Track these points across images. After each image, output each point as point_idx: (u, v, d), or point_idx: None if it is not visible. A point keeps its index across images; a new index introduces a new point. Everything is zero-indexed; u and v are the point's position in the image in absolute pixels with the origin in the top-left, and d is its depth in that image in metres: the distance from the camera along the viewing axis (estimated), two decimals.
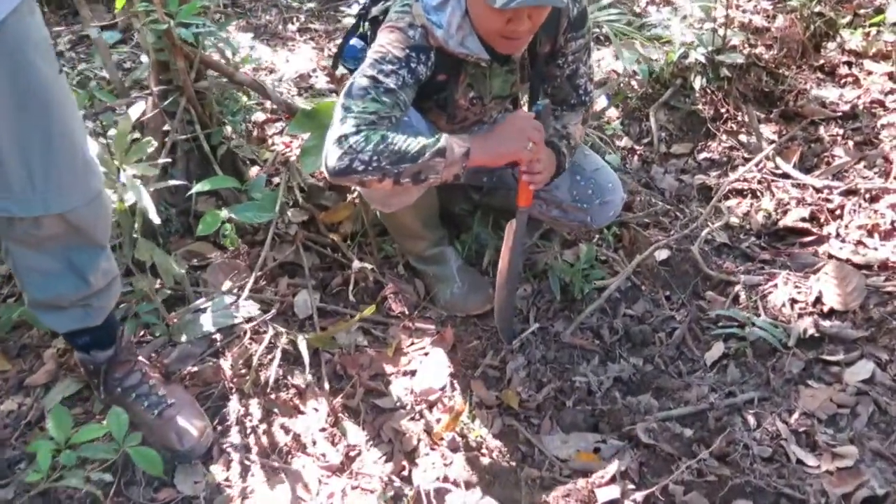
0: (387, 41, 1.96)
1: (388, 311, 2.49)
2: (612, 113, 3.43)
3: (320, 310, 2.46)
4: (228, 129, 2.79)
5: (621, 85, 3.47)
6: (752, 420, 2.15)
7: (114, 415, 1.77)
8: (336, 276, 2.59)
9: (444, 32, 1.96)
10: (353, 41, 2.30)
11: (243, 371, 2.22)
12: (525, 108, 2.39)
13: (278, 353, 2.25)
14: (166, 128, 2.62)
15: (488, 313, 2.45)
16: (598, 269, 2.61)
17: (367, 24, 2.26)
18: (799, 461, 2.02)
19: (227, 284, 2.48)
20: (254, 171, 2.93)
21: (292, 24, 4.41)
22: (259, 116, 3.23)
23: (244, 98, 2.90)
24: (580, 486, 1.95)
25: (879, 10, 3.78)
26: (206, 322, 2.32)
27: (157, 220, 2.05)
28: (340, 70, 2.38)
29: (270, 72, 3.82)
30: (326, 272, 2.62)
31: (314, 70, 3.85)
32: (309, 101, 3.37)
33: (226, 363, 2.25)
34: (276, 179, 2.88)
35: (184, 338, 2.29)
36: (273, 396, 2.17)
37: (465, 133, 2.38)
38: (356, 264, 2.52)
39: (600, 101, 3.43)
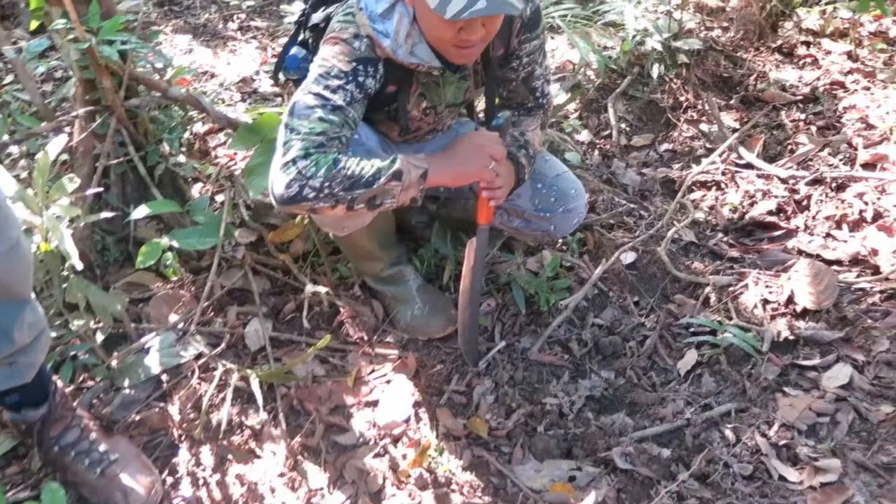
0: (331, 54, 1.81)
1: (345, 337, 2.36)
2: (570, 106, 3.31)
3: (273, 339, 2.32)
4: (166, 147, 2.61)
5: (579, 77, 3.34)
6: (730, 435, 2.06)
7: (49, 491, 1.62)
8: (288, 302, 2.45)
9: (392, 42, 1.82)
10: (294, 49, 2.14)
11: (192, 415, 2.08)
12: (481, 114, 2.26)
13: (230, 392, 2.10)
14: (97, 151, 2.44)
15: (452, 334, 2.33)
16: (563, 278, 2.50)
17: (307, 31, 2.11)
18: (781, 477, 1.95)
19: (172, 318, 2.33)
20: (196, 188, 2.77)
21: (233, 22, 4.22)
22: (201, 127, 3.05)
23: (181, 113, 2.72)
24: None
25: None
26: (151, 363, 2.16)
27: (78, 265, 1.88)
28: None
29: (211, 76, 3.63)
30: (278, 297, 2.48)
31: (257, 72, 3.67)
32: (253, 108, 3.22)
33: (173, 407, 2.10)
34: (220, 197, 2.72)
35: (127, 382, 2.13)
36: (226, 441, 2.03)
37: (420, 143, 2.26)
38: (309, 288, 2.37)
39: (558, 97, 3.30)
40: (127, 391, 2.12)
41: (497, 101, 2.20)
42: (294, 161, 1.68)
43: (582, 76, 3.35)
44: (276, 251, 2.53)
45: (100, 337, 2.21)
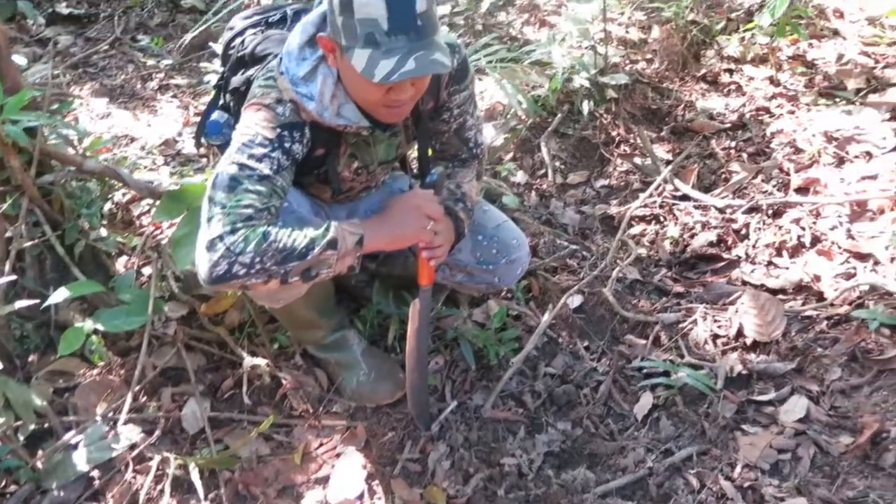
0: (254, 121, 1.72)
1: (289, 411, 2.25)
2: (503, 149, 3.27)
3: (213, 420, 2.19)
4: (85, 222, 2.47)
5: (509, 119, 3.31)
6: (694, 481, 2.01)
7: None
8: (227, 377, 2.32)
9: (318, 105, 1.75)
10: (216, 114, 2.05)
11: None
12: (415, 166, 2.20)
13: (168, 484, 1.97)
14: (9, 234, 2.29)
15: (401, 399, 2.24)
16: (511, 328, 2.44)
17: (227, 95, 2.02)
18: None
19: (101, 407, 2.18)
20: (121, 262, 2.63)
21: (151, 81, 4.09)
22: (122, 197, 2.91)
23: (99, 185, 2.58)
24: None
25: (751, 14, 3.78)
26: (80, 459, 2.01)
27: None
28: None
29: (132, 140, 3.50)
30: (215, 373, 2.35)
31: (180, 133, 3.54)
32: (177, 172, 3.10)
33: None
34: (147, 270, 2.58)
35: (54, 483, 1.98)
36: None
37: (354, 203, 2.19)
38: (248, 361, 2.26)
39: (492, 140, 3.27)
40: (55, 493, 1.97)
41: (430, 153, 2.14)
42: (221, 237, 1.59)
43: (512, 117, 3.32)
44: (209, 324, 2.41)
45: (22, 436, 2.05)
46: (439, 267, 2.18)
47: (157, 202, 2.53)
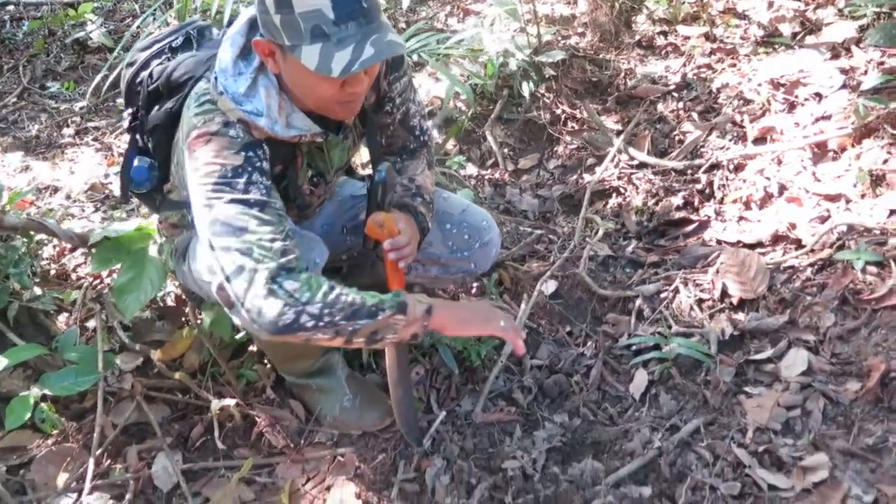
0: (211, 155, 1.56)
1: (268, 450, 2.08)
2: (449, 143, 3.15)
3: (187, 473, 2.02)
4: (14, 283, 2.27)
5: (450, 110, 3.19)
6: (706, 454, 1.91)
7: None
8: (195, 425, 2.14)
9: (267, 119, 1.60)
10: (137, 161, 1.88)
11: None
12: (359, 169, 2.08)
13: None
14: None
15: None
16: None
17: (146, 135, 1.85)
18: (771, 487, 1.80)
19: (61, 479, 1.98)
20: (62, 319, 2.43)
21: (67, 127, 3.86)
22: (52, 250, 2.71)
23: (24, 242, 2.38)
24: None
25: None
26: None
27: None
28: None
29: (55, 191, 3.27)
30: (182, 423, 2.17)
31: (106, 175, 3.34)
32: (109, 217, 2.91)
33: None
34: (91, 323, 2.39)
35: None
36: None
37: (311, 220, 2.06)
38: (215, 404, 2.09)
39: (435, 136, 3.15)
40: None
41: (379, 150, 2.01)
42: (275, 282, 1.49)
43: (453, 109, 3.21)
44: (167, 371, 2.23)
45: None
46: (412, 267, 2.07)
47: (92, 252, 2.36)
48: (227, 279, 1.51)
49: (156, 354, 2.26)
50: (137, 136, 1.87)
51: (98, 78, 3.80)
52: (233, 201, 1.52)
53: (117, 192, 3.16)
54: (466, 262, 2.12)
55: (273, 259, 1.50)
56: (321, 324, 1.51)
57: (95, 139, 3.73)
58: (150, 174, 1.84)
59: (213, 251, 1.53)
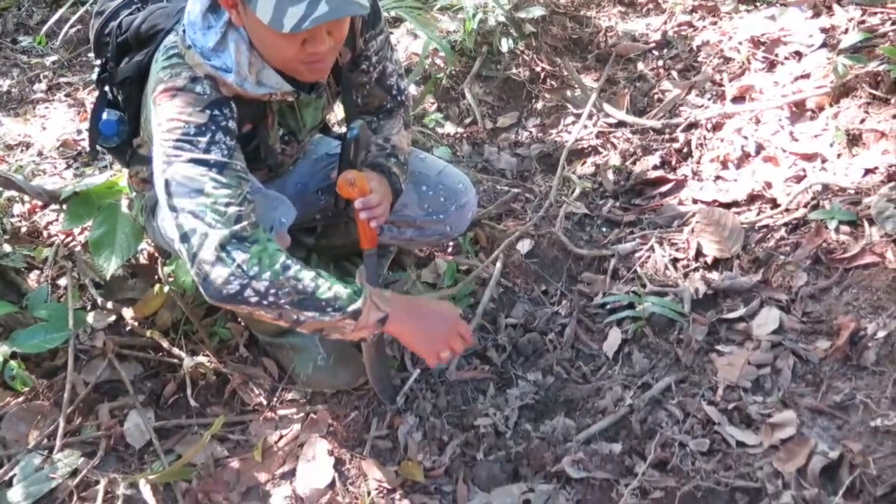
0: (175, 111, 1.53)
1: (241, 407, 2.08)
2: (427, 101, 3.11)
3: (159, 430, 2.01)
4: None
5: (426, 67, 3.15)
6: (677, 411, 1.92)
7: None
8: (168, 382, 2.13)
9: (236, 76, 1.56)
10: (106, 114, 1.84)
11: None
12: (335, 126, 2.05)
13: None
14: None
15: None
16: (464, 285, 2.31)
17: (115, 88, 1.81)
18: (740, 444, 1.82)
19: (32, 436, 1.98)
20: (33, 277, 2.41)
21: (39, 82, 3.78)
22: (23, 207, 2.67)
23: None
24: None
25: None
26: (16, 496, 1.81)
27: None
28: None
29: (27, 147, 3.22)
30: (154, 380, 2.16)
31: (79, 132, 3.28)
32: (81, 174, 2.86)
33: None
34: (63, 281, 2.36)
35: None
36: None
37: (283, 178, 2.03)
38: (188, 361, 2.08)
39: (412, 92, 3.11)
40: None
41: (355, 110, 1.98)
42: (225, 249, 1.46)
43: (431, 66, 3.16)
44: (140, 329, 2.21)
45: None
46: (385, 228, 2.05)
47: (65, 208, 2.34)
48: (180, 239, 1.49)
49: (128, 312, 2.25)
50: (107, 89, 1.83)
51: (67, 28, 3.71)
52: (192, 161, 1.49)
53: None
54: (442, 224, 2.10)
55: (225, 225, 1.47)
56: (265, 302, 1.49)
57: (68, 95, 3.66)
58: (118, 128, 1.80)
59: (168, 209, 1.50)
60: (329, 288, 1.52)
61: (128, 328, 2.25)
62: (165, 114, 1.53)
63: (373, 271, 1.86)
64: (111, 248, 2.13)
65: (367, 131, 1.90)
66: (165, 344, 2.16)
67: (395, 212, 1.97)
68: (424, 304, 1.79)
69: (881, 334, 1.88)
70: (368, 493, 1.83)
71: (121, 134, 1.83)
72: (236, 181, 1.52)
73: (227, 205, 1.49)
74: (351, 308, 1.53)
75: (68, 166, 3.04)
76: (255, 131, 1.74)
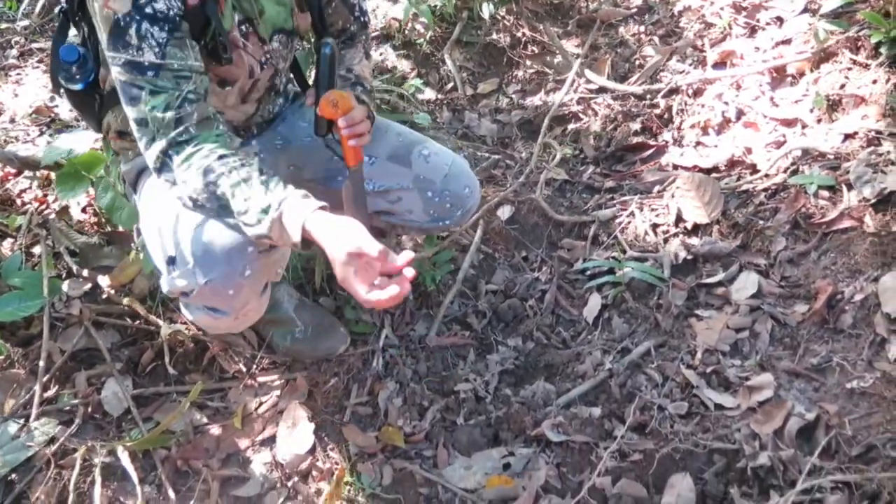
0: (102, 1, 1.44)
1: (220, 375, 2.07)
2: (406, 67, 3.08)
3: (137, 398, 2.00)
4: None
5: (406, 32, 3.11)
6: (656, 375, 1.94)
7: None
8: (145, 350, 2.11)
9: None
10: (68, 47, 1.72)
11: None
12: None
13: (98, 474, 1.78)
14: None
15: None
16: (443, 251, 2.30)
17: (78, 21, 1.70)
18: (718, 406, 1.84)
19: (8, 405, 1.95)
20: (6, 245, 2.36)
21: (11, 48, 3.69)
22: None
23: None
24: None
25: None
26: None
27: None
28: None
29: None
30: (132, 348, 2.13)
31: (52, 98, 3.21)
32: (54, 139, 2.80)
33: None
34: (37, 249, 2.32)
35: None
36: None
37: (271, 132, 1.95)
38: (165, 329, 2.06)
39: (389, 57, 3.07)
40: None
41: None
42: (167, 154, 1.48)
43: (411, 31, 3.12)
44: (117, 297, 2.19)
45: None
46: (392, 228, 2.03)
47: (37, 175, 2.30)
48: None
49: (104, 280, 2.22)
50: (70, 22, 1.72)
51: None
52: (126, 64, 1.45)
53: (66, 113, 3.07)
54: (446, 227, 2.02)
55: (165, 133, 1.46)
56: (198, 206, 1.50)
57: (40, 61, 3.57)
58: (79, 53, 1.70)
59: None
60: (245, 200, 1.45)
61: (104, 296, 2.21)
62: (98, 4, 1.46)
63: (360, 188, 1.77)
64: (75, 182, 2.10)
65: (338, 50, 1.79)
66: (142, 311, 2.14)
67: (399, 216, 1.93)
68: (341, 223, 1.44)
69: (858, 298, 1.90)
70: (349, 459, 1.83)
71: (84, 64, 1.70)
72: (174, 83, 1.47)
73: (166, 110, 1.46)
74: (253, 232, 1.46)
75: (41, 133, 2.97)
76: (205, 6, 1.56)
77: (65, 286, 2.19)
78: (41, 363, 1.99)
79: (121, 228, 2.38)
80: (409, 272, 1.36)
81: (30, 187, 2.61)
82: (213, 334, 2.05)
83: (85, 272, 2.24)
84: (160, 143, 1.47)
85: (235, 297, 1.59)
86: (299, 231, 1.41)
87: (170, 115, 1.45)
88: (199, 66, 1.51)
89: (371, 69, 1.98)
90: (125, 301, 2.16)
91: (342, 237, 1.38)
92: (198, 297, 1.59)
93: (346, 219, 1.43)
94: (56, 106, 3.16)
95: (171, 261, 1.59)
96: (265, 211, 1.43)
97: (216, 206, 1.47)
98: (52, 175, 2.38)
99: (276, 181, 1.47)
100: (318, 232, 1.41)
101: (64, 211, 2.46)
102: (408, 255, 1.37)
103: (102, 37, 1.47)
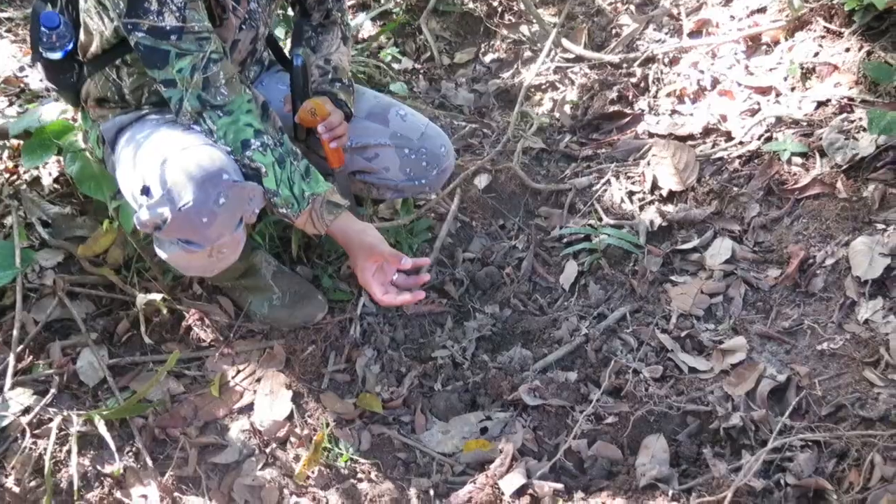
0: None
1: (196, 343, 2.06)
2: (383, 37, 3.05)
3: (113, 368, 1.98)
4: None
5: (382, 1, 3.09)
6: (631, 340, 1.96)
7: None
8: (120, 320, 2.09)
9: None
10: (49, 13, 1.70)
11: (35, 482, 1.73)
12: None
13: (74, 443, 1.77)
14: None
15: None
16: (421, 219, 2.30)
17: None
18: (692, 370, 1.87)
19: None
20: None
21: None
22: None
23: None
24: (480, 483, 1.67)
25: None
26: None
27: None
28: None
29: None
30: (107, 318, 2.11)
31: (21, 68, 3.15)
32: (25, 111, 2.76)
33: (9, 480, 1.74)
34: (8, 220, 2.30)
35: None
36: (84, 502, 1.71)
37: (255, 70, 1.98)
38: (141, 298, 2.04)
39: (365, 27, 3.05)
40: None
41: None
42: (202, 116, 1.57)
43: (387, 0, 3.10)
44: (91, 267, 2.17)
45: None
46: (364, 182, 2.03)
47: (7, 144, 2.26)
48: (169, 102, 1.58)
49: (78, 250, 2.19)
50: None
51: None
52: (150, 30, 1.49)
53: (36, 83, 3.01)
54: (422, 187, 2.04)
55: (194, 94, 1.54)
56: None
57: (9, 31, 3.50)
58: (60, 20, 1.69)
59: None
60: (278, 182, 1.58)
61: (78, 266, 2.19)
62: None
63: (345, 188, 1.86)
64: (96, 179, 2.07)
65: (310, 56, 1.91)
66: (117, 281, 2.12)
67: (376, 175, 1.96)
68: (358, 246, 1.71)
69: (829, 262, 1.92)
70: (327, 425, 1.84)
71: (64, 31, 1.69)
72: (196, 44, 1.52)
73: (193, 72, 1.52)
74: (281, 211, 1.63)
75: (10, 104, 2.92)
76: None
77: (38, 256, 2.16)
78: (14, 333, 1.97)
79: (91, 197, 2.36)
80: (425, 276, 1.72)
81: (0, 158, 2.57)
82: (189, 276, 2.07)
83: (57, 242, 2.21)
84: (193, 103, 1.55)
85: (209, 227, 1.57)
86: (324, 228, 1.64)
87: (197, 76, 1.53)
88: (211, 27, 1.56)
89: (349, 55, 2.00)
90: (99, 272, 2.15)
91: (364, 243, 1.67)
92: (171, 229, 1.57)
93: (367, 225, 1.71)
94: (26, 76, 3.10)
95: (146, 190, 1.59)
96: (297, 200, 1.60)
97: (248, 173, 1.58)
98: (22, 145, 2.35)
99: (309, 168, 1.64)
100: (342, 234, 1.68)
101: (36, 182, 2.42)
102: (424, 259, 1.77)
103: (116, 5, 1.48)
